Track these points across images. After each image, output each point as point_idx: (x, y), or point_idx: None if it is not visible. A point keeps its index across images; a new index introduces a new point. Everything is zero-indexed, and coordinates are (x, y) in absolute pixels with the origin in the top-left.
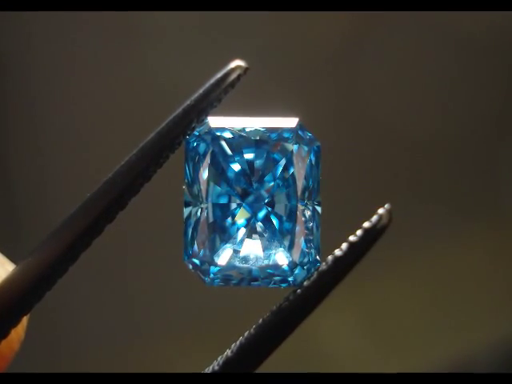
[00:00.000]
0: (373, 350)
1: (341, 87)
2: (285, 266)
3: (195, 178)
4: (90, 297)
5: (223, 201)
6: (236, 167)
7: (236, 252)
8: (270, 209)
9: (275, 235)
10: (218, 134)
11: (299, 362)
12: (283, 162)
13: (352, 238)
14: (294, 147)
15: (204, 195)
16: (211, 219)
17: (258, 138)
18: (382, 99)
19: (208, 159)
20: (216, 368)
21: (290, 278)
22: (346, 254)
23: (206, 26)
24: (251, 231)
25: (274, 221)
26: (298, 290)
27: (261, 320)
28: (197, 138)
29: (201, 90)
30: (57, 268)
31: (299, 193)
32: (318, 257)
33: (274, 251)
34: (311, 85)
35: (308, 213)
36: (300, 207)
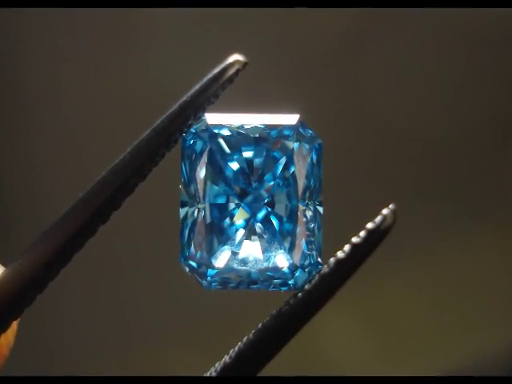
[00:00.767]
0: (376, 355)
1: (343, 83)
2: (285, 269)
3: (192, 177)
4: (83, 300)
5: (221, 201)
6: (234, 166)
7: (234, 254)
8: (269, 209)
9: (275, 236)
10: (216, 131)
11: (300, 369)
12: (283, 160)
13: (355, 240)
14: (295, 145)
15: (201, 195)
16: (209, 220)
17: (257, 135)
18: (385, 96)
19: (205, 157)
20: (213, 375)
21: (291, 281)
22: (349, 256)
23: (204, 20)
24: (250, 232)
25: (274, 221)
26: (299, 294)
27: (260, 325)
28: (193, 136)
29: (198, 86)
30: (48, 270)
31: (300, 192)
32: (319, 259)
33: (273, 253)
34: (313, 80)
35: (309, 213)
36: (301, 207)
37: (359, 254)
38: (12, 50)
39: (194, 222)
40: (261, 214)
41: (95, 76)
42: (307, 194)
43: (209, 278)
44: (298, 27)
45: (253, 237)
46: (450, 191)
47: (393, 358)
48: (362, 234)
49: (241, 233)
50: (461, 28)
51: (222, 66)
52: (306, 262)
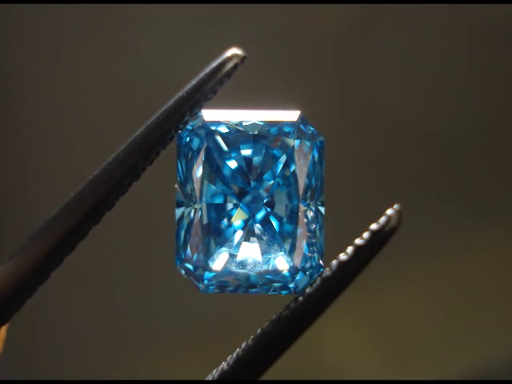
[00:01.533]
0: (380, 361)
1: (346, 78)
2: (285, 272)
3: (188, 176)
4: (75, 305)
5: (218, 201)
6: (232, 164)
7: (232, 256)
8: (269, 209)
9: (275, 238)
10: (213, 128)
11: (301, 376)
12: (284, 158)
13: (358, 242)
14: (296, 142)
15: (198, 195)
16: (205, 221)
17: (256, 132)
18: (390, 91)
19: (202, 156)
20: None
21: (291, 285)
22: (352, 258)
23: (201, 13)
24: (249, 234)
25: (274, 222)
26: (300, 298)
27: (259, 330)
28: (190, 133)
29: (194, 81)
30: (38, 274)
31: (301, 192)
32: (321, 261)
33: (273, 255)
34: (314, 75)
35: (310, 214)
36: (302, 208)
37: (363, 256)
38: (1, 42)
39: (191, 222)
40: (260, 215)
41: (88, 71)
42: (308, 194)
43: (206, 282)
44: (299, 19)
45: (251, 238)
46: (457, 190)
47: (397, 364)
48: (366, 235)
49: (239, 234)
50: (467, 20)
51: (219, 60)
52: (307, 265)
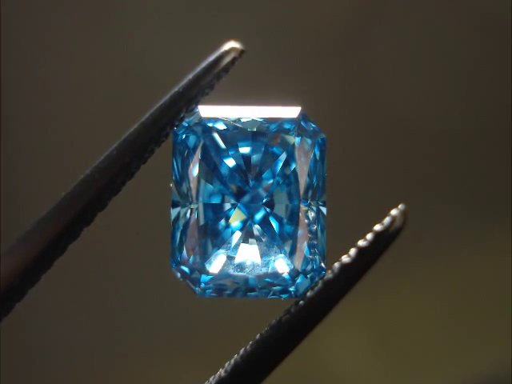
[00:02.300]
0: (384, 369)
1: (348, 73)
2: (285, 275)
3: (184, 175)
4: (65, 309)
5: (216, 201)
6: (230, 163)
7: (230, 259)
8: (268, 210)
9: (274, 239)
10: (210, 125)
11: (301, 383)
12: (284, 156)
13: (361, 243)
14: (296, 140)
15: (194, 194)
16: (202, 221)
17: (255, 129)
18: (395, 86)
19: (198, 153)
20: None
21: (292, 288)
22: (355, 260)
23: (198, 4)
24: (247, 235)
25: (274, 223)
26: (301, 302)
27: (258, 335)
28: (186, 130)
29: (190, 76)
30: (28, 276)
31: (302, 192)
32: (322, 264)
33: (273, 258)
34: (316, 70)
35: (312, 214)
36: (303, 208)
37: (366, 258)
38: None
39: (187, 223)
40: (259, 215)
41: (78, 65)
42: (309, 194)
43: (202, 285)
44: (300, 11)
45: (250, 240)
46: (467, 190)
47: (401, 372)
48: (369, 236)
49: (237, 235)
50: (481, 8)
51: (216, 54)
52: (309, 268)
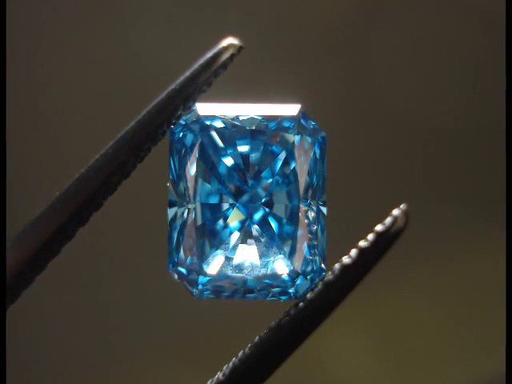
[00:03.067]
0: (385, 372)
1: (350, 69)
2: (285, 276)
3: (181, 174)
4: (59, 312)
5: (213, 200)
6: (228, 161)
7: (228, 260)
8: (267, 209)
9: (274, 240)
10: (208, 123)
11: None
12: (283, 155)
13: (362, 244)
14: (296, 138)
15: (191, 194)
16: (200, 221)
17: (253, 127)
18: (397, 83)
19: (196, 152)
20: None
21: (291, 290)
22: (356, 262)
23: (196, 0)
24: (246, 235)
25: (273, 223)
26: (301, 304)
27: (257, 338)
28: (183, 128)
29: (188, 73)
30: (21, 278)
31: (301, 191)
32: (323, 265)
33: (272, 258)
34: (316, 66)
35: (312, 214)
36: (302, 208)
37: (367, 259)
38: None
39: (184, 223)
40: (258, 215)
41: (73, 62)
42: (309, 193)
43: (200, 286)
44: (300, 6)
45: (249, 240)
46: (470, 190)
47: (402, 375)
48: (370, 237)
49: (235, 236)
50: (478, 9)
51: (214, 50)
52: (309, 269)
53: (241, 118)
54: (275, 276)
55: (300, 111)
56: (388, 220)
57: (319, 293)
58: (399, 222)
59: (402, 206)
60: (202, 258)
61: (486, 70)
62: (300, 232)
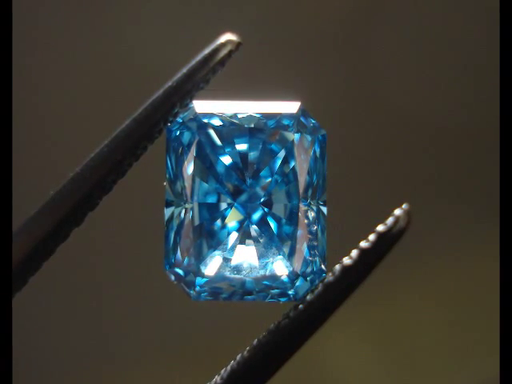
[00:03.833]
0: (386, 375)
1: (351, 65)
2: (284, 277)
3: (178, 173)
4: (53, 314)
5: (211, 200)
6: (226, 160)
7: (226, 260)
8: (266, 209)
9: (273, 241)
10: (206, 120)
11: None
12: (282, 153)
13: (363, 244)
14: (296, 136)
15: (189, 193)
16: (197, 222)
17: (252, 125)
18: (399, 80)
19: (193, 151)
20: None
21: (291, 292)
22: (357, 263)
23: None
24: (244, 236)
25: (272, 223)
26: (300, 306)
27: (256, 341)
28: (180, 126)
29: (185, 69)
30: (15, 279)
31: (301, 190)
32: (323, 266)
33: (271, 259)
34: (316, 63)
35: (312, 214)
36: (302, 207)
37: (368, 260)
38: None
39: (181, 223)
40: (256, 215)
41: (68, 59)
42: (309, 193)
43: (197, 288)
44: (299, 1)
45: (247, 241)
46: (474, 190)
47: (404, 378)
48: (372, 237)
49: (234, 236)
50: (479, 7)
51: (212, 46)
52: (308, 270)
53: (239, 116)
54: (274, 277)
55: (300, 109)
56: (390, 220)
57: (319, 294)
58: (401, 222)
59: (403, 206)
60: (200, 258)
61: (488, 70)
62: (300, 232)
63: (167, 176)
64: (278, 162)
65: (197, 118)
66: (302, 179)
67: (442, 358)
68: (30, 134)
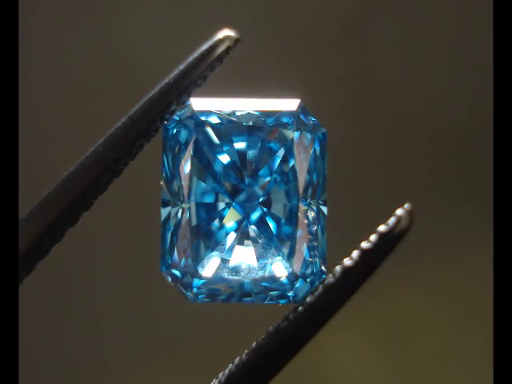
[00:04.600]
0: (388, 377)
1: (351, 62)
2: (283, 279)
3: (175, 172)
4: (50, 315)
5: (209, 200)
6: (224, 159)
7: (224, 261)
8: (265, 209)
9: (272, 241)
10: (203, 118)
11: None
12: (282, 152)
13: (365, 245)
14: (295, 135)
15: (186, 193)
16: (194, 222)
17: (250, 123)
18: (400, 77)
19: (191, 149)
20: None
21: (290, 293)
22: (358, 263)
23: None
24: (243, 236)
25: (271, 224)
26: (300, 308)
27: (254, 344)
28: (177, 124)
29: (182, 66)
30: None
31: (301, 190)
32: (323, 267)
33: (270, 260)
34: (316, 60)
35: (312, 214)
36: (302, 207)
37: (369, 261)
38: None
39: (178, 224)
40: (255, 215)
41: (63, 56)
42: (309, 192)
43: (195, 290)
44: None
45: (246, 241)
46: (478, 189)
47: (403, 378)
48: (373, 238)
49: (232, 237)
50: (480, 5)
51: (210, 42)
52: (308, 271)
53: (237, 114)
54: (273, 279)
55: (299, 106)
56: (391, 220)
57: (319, 296)
58: (403, 222)
59: (405, 206)
60: (197, 259)
61: (488, 70)
62: (299, 233)
63: (164, 175)
64: (278, 161)
65: (194, 115)
66: (302, 178)
67: (443, 358)
68: (25, 132)
